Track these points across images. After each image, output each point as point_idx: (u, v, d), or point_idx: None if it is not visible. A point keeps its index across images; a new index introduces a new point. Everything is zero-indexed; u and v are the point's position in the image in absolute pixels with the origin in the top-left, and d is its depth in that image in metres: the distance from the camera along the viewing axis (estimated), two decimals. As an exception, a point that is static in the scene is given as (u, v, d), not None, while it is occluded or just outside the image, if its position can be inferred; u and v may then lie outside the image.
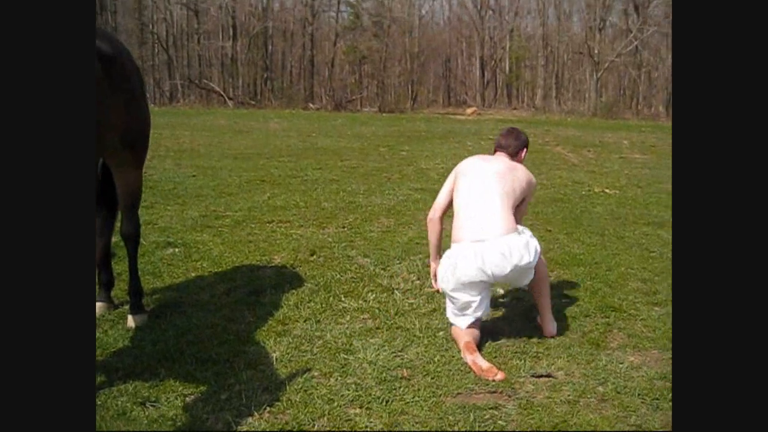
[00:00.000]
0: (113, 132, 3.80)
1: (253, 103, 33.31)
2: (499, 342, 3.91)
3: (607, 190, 9.58)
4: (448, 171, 4.62)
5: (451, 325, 3.93)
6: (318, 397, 3.18)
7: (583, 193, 9.39)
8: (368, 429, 2.93)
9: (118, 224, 4.43)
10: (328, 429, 2.92)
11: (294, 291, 4.70)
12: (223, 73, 35.81)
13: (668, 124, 28.33)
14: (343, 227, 6.72)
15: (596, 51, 36.27)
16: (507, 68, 40.92)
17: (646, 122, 28.93)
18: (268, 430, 2.90)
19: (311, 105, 32.58)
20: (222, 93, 33.34)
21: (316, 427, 2.94)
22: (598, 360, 3.66)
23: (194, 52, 36.25)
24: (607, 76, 37.54)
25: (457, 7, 42.60)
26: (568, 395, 3.26)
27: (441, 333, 4.00)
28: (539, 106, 36.62)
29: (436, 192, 4.52)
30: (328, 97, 34.17)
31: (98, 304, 4.40)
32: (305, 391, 3.24)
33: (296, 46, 37.37)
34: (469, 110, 32.47)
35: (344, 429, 2.93)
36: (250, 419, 2.98)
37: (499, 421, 3.01)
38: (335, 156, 12.64)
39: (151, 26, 36.21)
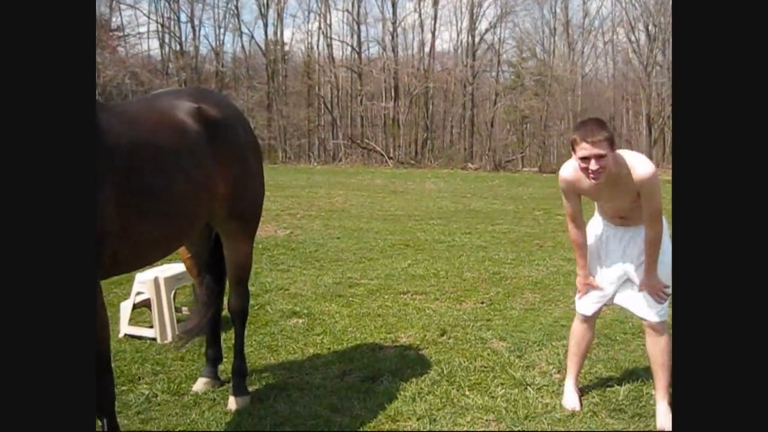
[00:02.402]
0: (219, 201, 3.52)
1: (412, 162, 33.51)
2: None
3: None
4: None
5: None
6: None
7: None
8: None
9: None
10: None
11: (414, 379, 4.17)
12: (384, 132, 36.42)
13: None
14: (482, 303, 6.13)
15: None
16: (677, 127, 38.74)
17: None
18: None
19: (470, 165, 32.25)
20: (382, 152, 33.81)
21: None
22: None
23: (357, 112, 37.19)
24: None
25: (622, 63, 41.03)
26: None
27: (577, 449, 3.33)
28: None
29: None
30: (487, 157, 33.74)
31: (202, 380, 4.11)
32: None
33: (457, 106, 37.39)
34: (636, 172, 30.79)
35: None
36: None
37: None
38: (487, 219, 12.09)
39: (317, 88, 37.62)
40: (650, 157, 38.24)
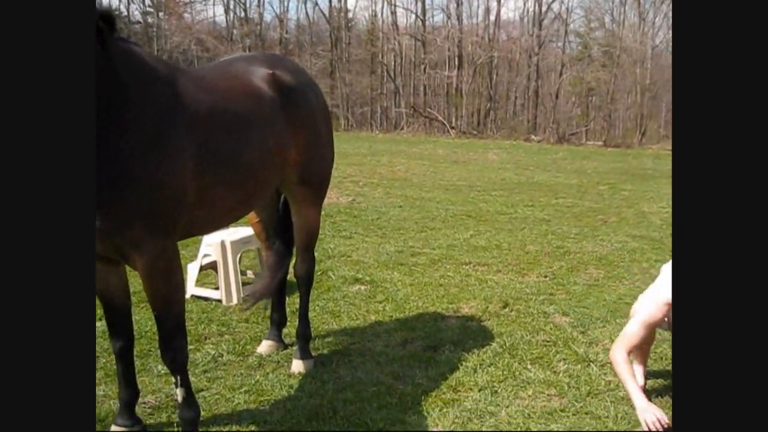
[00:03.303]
0: (290, 167, 3.56)
1: (475, 132, 33.16)
2: None
3: None
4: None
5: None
6: (476, 498, 2.65)
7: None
8: None
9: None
10: None
11: (475, 350, 4.18)
12: (447, 102, 36.10)
13: None
14: (545, 276, 6.08)
15: None
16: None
17: None
18: None
19: (533, 137, 31.75)
20: (445, 122, 33.54)
21: None
22: None
23: (420, 81, 36.91)
24: None
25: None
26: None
27: (639, 428, 3.29)
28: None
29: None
30: (551, 129, 33.14)
31: (266, 342, 4.20)
32: (462, 486, 2.72)
33: (521, 77, 36.73)
34: (705, 148, 29.90)
35: None
36: None
37: None
38: (550, 192, 11.92)
39: (380, 56, 37.42)
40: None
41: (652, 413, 3.15)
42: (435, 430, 3.20)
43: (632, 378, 3.36)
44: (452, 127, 33.28)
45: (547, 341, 4.39)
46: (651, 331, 3.51)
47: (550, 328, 4.63)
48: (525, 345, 4.30)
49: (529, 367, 3.97)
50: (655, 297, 3.45)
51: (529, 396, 3.61)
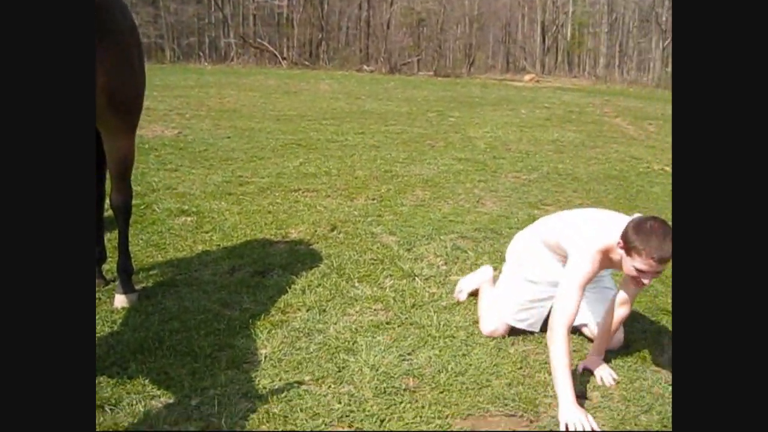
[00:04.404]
0: (98, 91, 3.33)
1: (307, 63, 32.81)
2: (526, 349, 3.35)
3: (667, 168, 8.81)
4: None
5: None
6: (302, 410, 2.69)
7: (641, 170, 8.64)
8: (354, 457, 2.43)
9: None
10: (306, 454, 2.44)
11: (304, 272, 4.20)
12: (278, 32, 35.35)
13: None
14: (373, 199, 6.18)
15: (664, 19, 34.58)
16: (569, 34, 39.49)
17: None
18: (233, 452, 2.42)
19: (365, 67, 31.91)
20: (276, 53, 32.91)
21: (292, 450, 2.46)
22: (643, 379, 3.07)
23: (249, 10, 35.82)
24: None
25: (520, -32, 41.06)
26: (603, 424, 2.70)
27: (461, 333, 3.46)
28: (601, 74, 35.20)
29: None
30: (383, 60, 33.42)
31: (86, 280, 3.99)
32: (288, 401, 2.75)
33: (352, 6, 36.57)
34: (527, 77, 31.35)
35: (325, 455, 2.44)
36: (217, 435, 2.52)
37: (515, 457, 2.48)
38: (380, 120, 12.07)
39: (206, -17, 35.88)
40: (542, 64, 38.70)
41: (577, 419, 2.65)
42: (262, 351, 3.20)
43: (567, 371, 2.77)
44: (284, 58, 32.75)
45: (374, 260, 4.49)
46: (582, 291, 2.95)
47: (377, 248, 4.73)
48: (352, 264, 4.38)
49: (356, 284, 4.05)
50: (581, 248, 3.00)
51: (357, 312, 3.69)
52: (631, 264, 2.80)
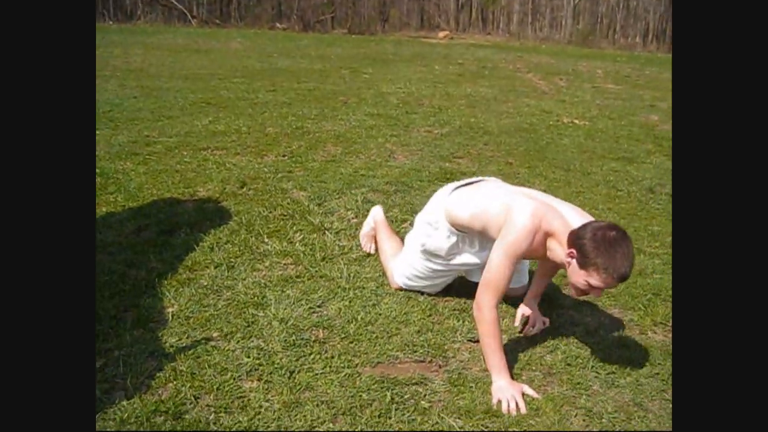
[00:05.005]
0: None
1: (218, 22, 31.93)
2: (436, 297, 3.39)
3: (576, 121, 9.01)
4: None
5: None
6: (210, 366, 2.65)
7: (551, 123, 8.80)
8: (261, 409, 2.41)
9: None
10: (213, 407, 2.40)
11: (212, 230, 4.12)
12: (186, -11, 34.18)
13: (645, 54, 27.83)
14: (284, 156, 6.09)
15: (574, -25, 35.15)
16: (483, -9, 39.63)
17: (622, 52, 28.26)
18: (138, 410, 2.36)
19: (278, 25, 31.31)
20: (185, 11, 31.86)
21: (198, 405, 2.42)
22: (550, 322, 3.16)
23: (155, -34, 34.46)
24: (585, 3, 36.50)
25: (433, -76, 40.79)
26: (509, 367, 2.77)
27: (371, 284, 3.47)
28: (514, 32, 35.62)
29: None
30: (296, 18, 32.84)
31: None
32: (196, 358, 2.70)
33: (263, -38, 35.67)
34: (441, 34, 31.41)
35: (232, 408, 2.41)
36: (120, 394, 2.45)
37: (422, 402, 2.50)
38: (293, 78, 11.87)
39: (108, -63, 34.27)
40: (457, 21, 38.72)
41: (510, 395, 2.51)
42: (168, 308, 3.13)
43: (498, 345, 2.63)
44: (193, 17, 31.79)
45: (285, 215, 4.44)
46: (513, 266, 2.68)
47: (288, 203, 4.67)
48: (262, 221, 4.32)
49: (266, 240, 4.00)
50: (516, 221, 2.66)
51: (266, 267, 3.65)
52: (585, 278, 2.49)
